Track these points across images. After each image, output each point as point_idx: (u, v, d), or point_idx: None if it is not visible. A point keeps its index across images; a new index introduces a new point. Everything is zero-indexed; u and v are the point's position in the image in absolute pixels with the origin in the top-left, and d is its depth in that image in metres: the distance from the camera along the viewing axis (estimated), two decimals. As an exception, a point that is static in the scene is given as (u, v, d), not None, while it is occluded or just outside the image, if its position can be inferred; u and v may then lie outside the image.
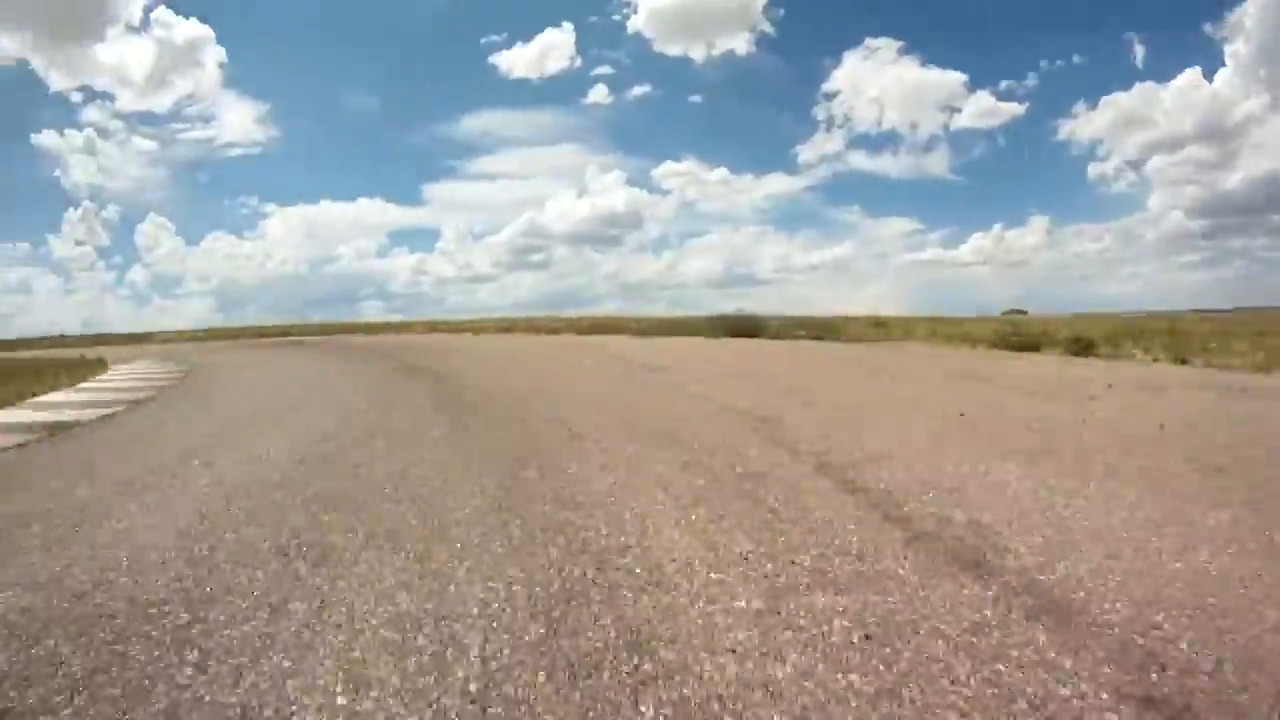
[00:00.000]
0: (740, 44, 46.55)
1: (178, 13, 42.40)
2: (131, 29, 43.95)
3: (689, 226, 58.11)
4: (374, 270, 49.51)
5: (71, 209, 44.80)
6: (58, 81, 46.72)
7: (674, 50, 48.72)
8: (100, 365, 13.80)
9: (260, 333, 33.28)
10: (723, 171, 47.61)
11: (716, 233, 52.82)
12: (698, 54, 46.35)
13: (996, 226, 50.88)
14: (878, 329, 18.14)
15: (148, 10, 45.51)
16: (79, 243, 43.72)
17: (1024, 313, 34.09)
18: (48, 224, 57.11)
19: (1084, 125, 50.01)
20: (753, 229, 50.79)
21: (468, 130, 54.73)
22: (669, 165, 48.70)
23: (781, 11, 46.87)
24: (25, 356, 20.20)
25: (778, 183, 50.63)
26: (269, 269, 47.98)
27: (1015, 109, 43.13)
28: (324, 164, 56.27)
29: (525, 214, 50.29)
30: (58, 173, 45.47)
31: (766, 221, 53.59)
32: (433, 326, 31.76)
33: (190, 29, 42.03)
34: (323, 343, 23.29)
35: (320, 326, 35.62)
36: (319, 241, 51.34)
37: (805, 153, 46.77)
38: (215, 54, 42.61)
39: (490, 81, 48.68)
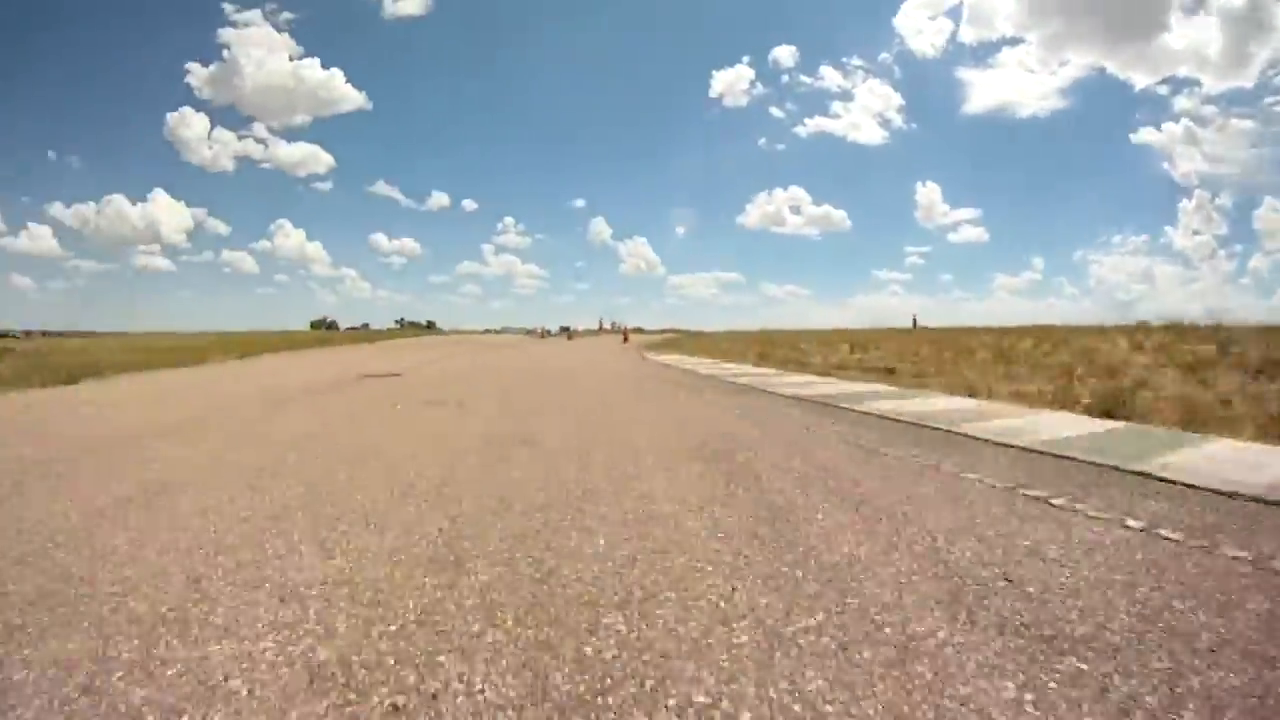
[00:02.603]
0: None
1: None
2: (1186, 9, 39.92)
3: None
4: None
5: (1185, 200, 45.77)
6: (1139, 80, 50.27)
7: None
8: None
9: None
10: None
11: None
12: None
13: None
14: None
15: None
16: (1196, 232, 42.41)
17: None
18: (1163, 216, 58.10)
19: None
20: None
21: None
22: None
23: None
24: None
25: None
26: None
27: None
28: None
29: None
30: (1165, 165, 47.18)
31: None
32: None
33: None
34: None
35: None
36: None
37: None
38: None
39: None
